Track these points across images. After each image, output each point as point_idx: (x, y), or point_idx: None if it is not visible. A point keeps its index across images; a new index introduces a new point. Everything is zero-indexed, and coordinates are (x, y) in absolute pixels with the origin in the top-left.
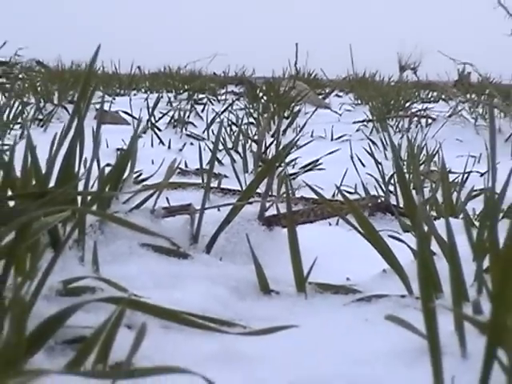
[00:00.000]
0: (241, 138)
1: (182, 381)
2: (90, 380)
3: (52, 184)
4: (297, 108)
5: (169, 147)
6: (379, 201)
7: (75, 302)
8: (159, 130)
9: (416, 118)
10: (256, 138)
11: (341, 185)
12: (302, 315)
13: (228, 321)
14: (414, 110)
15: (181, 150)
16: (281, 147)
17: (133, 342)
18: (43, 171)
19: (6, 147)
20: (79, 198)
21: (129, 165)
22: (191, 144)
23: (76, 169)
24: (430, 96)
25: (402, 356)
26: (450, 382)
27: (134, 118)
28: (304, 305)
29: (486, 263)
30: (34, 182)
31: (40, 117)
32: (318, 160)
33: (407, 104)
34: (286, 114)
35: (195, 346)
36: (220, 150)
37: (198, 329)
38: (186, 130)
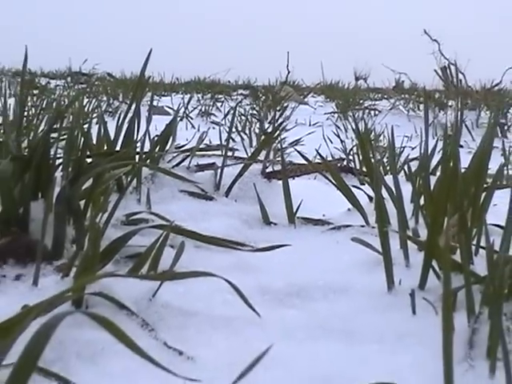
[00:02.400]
0: (247, 124)
1: (209, 283)
2: (145, 281)
3: (118, 147)
4: (285, 104)
5: (198, 130)
6: (343, 165)
7: (134, 229)
8: (191, 118)
9: (367, 111)
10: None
11: (317, 154)
12: (293, 239)
13: (241, 242)
14: (365, 105)
15: (206, 132)
16: (275, 126)
17: (174, 257)
18: (112, 139)
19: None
20: (137, 157)
21: (171, 137)
22: (213, 128)
23: (134, 137)
24: (376, 96)
25: (363, 266)
26: (398, 284)
27: (173, 110)
28: (294, 232)
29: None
30: (105, 147)
31: (109, 110)
32: (300, 139)
33: (361, 101)
34: (278, 108)
35: (218, 260)
36: (233, 132)
37: (220, 247)
38: (209, 118)
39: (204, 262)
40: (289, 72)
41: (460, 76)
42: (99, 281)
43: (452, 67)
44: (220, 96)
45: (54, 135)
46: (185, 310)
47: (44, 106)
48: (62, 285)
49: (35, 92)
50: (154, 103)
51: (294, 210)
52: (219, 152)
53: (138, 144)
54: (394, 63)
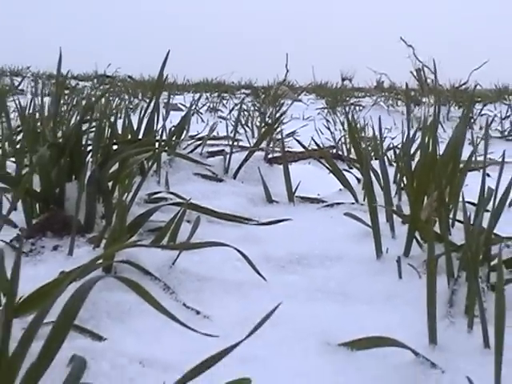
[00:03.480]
0: (249, 118)
1: (221, 252)
2: (165, 251)
3: (140, 136)
4: (282, 101)
5: (207, 124)
6: (333, 152)
7: (155, 206)
8: (201, 113)
9: (353, 106)
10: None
11: (312, 143)
12: (292, 214)
13: (248, 217)
14: (351, 102)
15: (215, 124)
16: (275, 119)
17: (190, 230)
18: (134, 129)
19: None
20: (157, 144)
21: (185, 128)
22: (220, 122)
23: (154, 128)
24: (360, 94)
25: (354, 237)
26: (385, 252)
27: (186, 106)
28: (293, 209)
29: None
30: (129, 136)
31: (130, 107)
32: (295, 130)
33: (347, 98)
34: (276, 104)
35: (228, 232)
36: (237, 125)
37: (230, 222)
38: (216, 113)
39: (216, 235)
40: (287, 71)
41: (432, 76)
42: (126, 250)
43: (425, 69)
44: (225, 94)
45: (85, 126)
46: (200, 276)
47: (74, 103)
48: (94, 254)
49: (66, 92)
50: (170, 100)
51: (293, 190)
52: (226, 142)
53: (158, 134)
54: (376, 65)
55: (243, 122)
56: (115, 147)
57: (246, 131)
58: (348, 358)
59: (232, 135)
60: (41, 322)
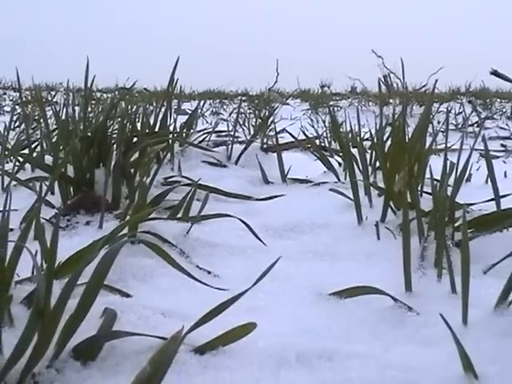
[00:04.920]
0: (246, 119)
1: (227, 223)
2: (180, 223)
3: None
4: (272, 104)
5: (210, 124)
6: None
7: (170, 187)
8: (205, 116)
9: (331, 107)
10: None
11: (299, 134)
12: (285, 192)
13: (248, 195)
14: (330, 104)
15: (216, 124)
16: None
17: (200, 205)
18: (151, 124)
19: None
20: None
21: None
22: (222, 123)
23: (167, 123)
24: (337, 98)
25: (338, 209)
26: (365, 219)
27: (192, 111)
28: (286, 188)
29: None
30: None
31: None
32: (284, 129)
33: (326, 101)
34: (267, 107)
35: (232, 207)
36: (236, 124)
37: (233, 199)
38: (218, 116)
39: (222, 210)
40: (278, 74)
41: (398, 81)
42: (147, 223)
43: (393, 75)
44: (225, 101)
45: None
46: (210, 243)
47: (100, 110)
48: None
49: (93, 102)
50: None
51: (285, 173)
52: (227, 138)
53: (171, 128)
54: (350, 73)
55: (241, 123)
56: (135, 139)
57: (243, 129)
58: (338, 305)
59: (232, 132)
60: (76, 280)
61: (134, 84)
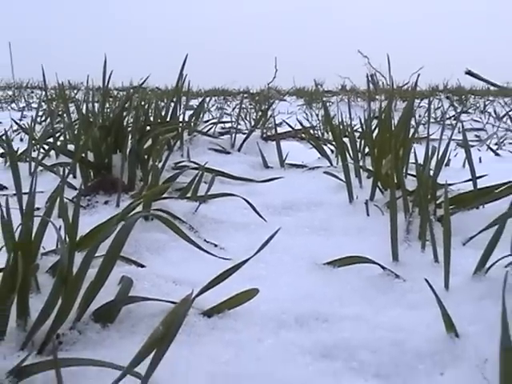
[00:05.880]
0: (247, 113)
1: (232, 202)
2: (189, 202)
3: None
4: (271, 101)
5: (215, 118)
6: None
7: (180, 171)
8: (211, 111)
9: (323, 106)
10: (257, 110)
11: (296, 125)
12: (284, 175)
13: (250, 178)
14: (323, 99)
15: (221, 116)
16: (266, 109)
17: (207, 186)
18: (163, 115)
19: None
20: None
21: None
22: (226, 116)
23: (177, 114)
24: (329, 95)
25: (332, 189)
26: (356, 198)
27: (199, 102)
28: (284, 172)
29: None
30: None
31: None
32: (284, 120)
33: (319, 98)
34: (266, 103)
35: (236, 188)
36: (239, 118)
37: (237, 181)
38: (222, 111)
39: (227, 190)
40: (276, 70)
41: (383, 79)
42: (159, 202)
43: (378, 73)
44: (229, 97)
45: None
46: (216, 220)
47: (116, 105)
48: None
49: (110, 99)
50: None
51: (283, 159)
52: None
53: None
54: (341, 72)
55: (243, 116)
56: (148, 128)
57: (245, 123)
58: (332, 273)
59: (236, 120)
60: (95, 251)
61: (147, 78)
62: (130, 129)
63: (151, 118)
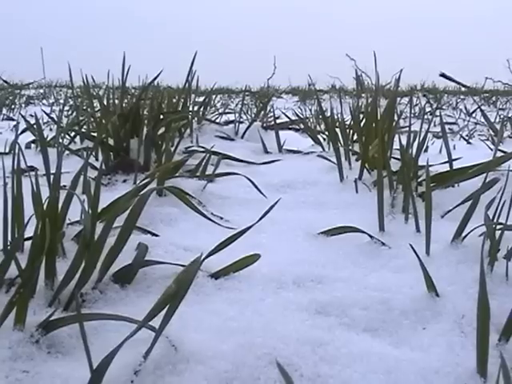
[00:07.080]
0: (248, 109)
1: (236, 181)
2: (198, 181)
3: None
4: (270, 97)
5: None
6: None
7: (189, 154)
8: (217, 107)
9: (316, 100)
10: (257, 105)
11: (294, 116)
12: (282, 158)
13: (252, 161)
14: (315, 97)
15: (226, 112)
16: (266, 102)
17: (214, 167)
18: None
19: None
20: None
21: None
22: (230, 112)
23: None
24: (321, 94)
25: (325, 170)
26: (346, 178)
27: (208, 92)
28: (282, 156)
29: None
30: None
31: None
32: (283, 113)
33: (313, 95)
34: (265, 100)
35: (239, 169)
36: (241, 112)
37: (240, 163)
38: (227, 106)
39: (232, 169)
40: (275, 67)
41: (368, 79)
42: (171, 180)
43: (365, 74)
44: (232, 95)
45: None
46: (222, 196)
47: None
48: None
49: (128, 96)
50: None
51: (281, 145)
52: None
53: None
54: (331, 72)
55: (244, 111)
56: (162, 117)
57: (247, 117)
58: (325, 241)
59: (239, 112)
60: (114, 220)
61: (159, 73)
62: (145, 117)
63: (164, 109)
